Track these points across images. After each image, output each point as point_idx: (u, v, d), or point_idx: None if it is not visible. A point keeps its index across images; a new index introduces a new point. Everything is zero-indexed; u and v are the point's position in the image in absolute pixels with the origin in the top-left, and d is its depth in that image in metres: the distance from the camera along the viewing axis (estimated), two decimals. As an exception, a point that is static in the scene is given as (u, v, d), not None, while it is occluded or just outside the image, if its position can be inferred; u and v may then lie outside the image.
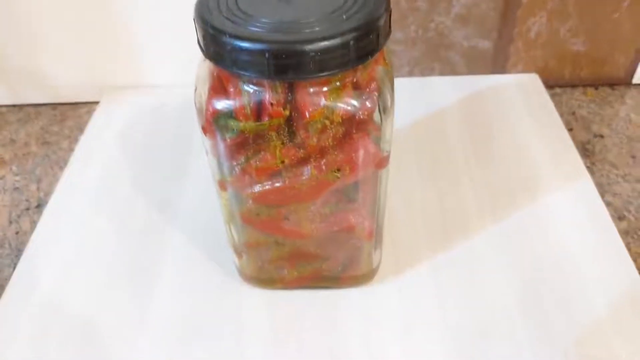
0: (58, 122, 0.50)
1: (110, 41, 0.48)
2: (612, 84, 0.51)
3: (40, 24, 0.47)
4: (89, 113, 0.51)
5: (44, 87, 0.51)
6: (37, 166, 0.46)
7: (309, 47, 0.22)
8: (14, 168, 0.46)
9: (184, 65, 0.49)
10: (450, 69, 0.50)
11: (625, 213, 0.39)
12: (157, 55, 0.49)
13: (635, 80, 0.51)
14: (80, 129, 0.49)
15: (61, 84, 0.51)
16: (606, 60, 0.49)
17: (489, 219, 0.37)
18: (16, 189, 0.44)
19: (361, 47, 0.23)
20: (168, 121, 0.47)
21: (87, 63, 0.50)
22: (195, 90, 0.26)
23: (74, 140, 0.48)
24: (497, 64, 0.50)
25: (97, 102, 0.51)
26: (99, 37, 0.48)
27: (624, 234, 0.37)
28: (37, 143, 0.48)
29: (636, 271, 0.34)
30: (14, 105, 0.52)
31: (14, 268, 0.36)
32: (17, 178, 0.45)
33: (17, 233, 0.40)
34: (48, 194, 0.43)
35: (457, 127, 0.45)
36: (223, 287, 0.34)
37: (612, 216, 0.38)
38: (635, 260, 0.35)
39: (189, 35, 0.26)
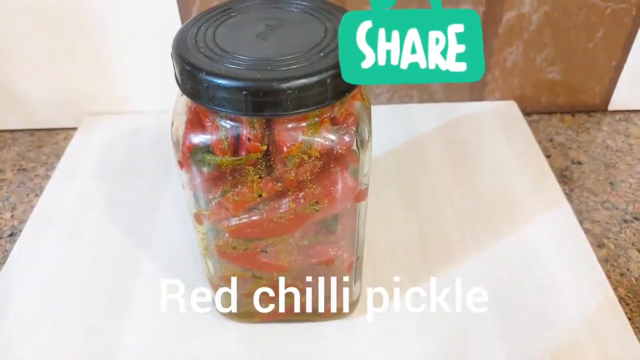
0: (35, 148, 0.50)
1: (89, 67, 0.48)
2: (589, 111, 0.52)
3: (18, 49, 0.47)
4: (67, 139, 0.50)
5: (21, 113, 0.51)
6: (12, 193, 0.45)
7: (286, 85, 0.22)
8: (-12, 196, 0.45)
9: (162, 92, 0.49)
10: (428, 96, 0.51)
11: (605, 240, 0.39)
12: (135, 82, 0.49)
13: (611, 107, 0.52)
14: (58, 156, 0.48)
15: (39, 109, 0.50)
16: (582, 87, 0.50)
17: (469, 247, 0.37)
18: (-11, 217, 0.43)
19: (338, 85, 0.23)
20: (146, 148, 0.47)
21: (65, 89, 0.49)
22: (172, 124, 0.26)
23: (50, 167, 0.47)
24: (475, 91, 0.51)
25: (75, 128, 0.50)
26: (77, 63, 0.48)
27: (604, 261, 0.38)
28: (12, 170, 0.47)
29: (616, 299, 0.34)
30: (-11, 131, 0.51)
31: (-16, 301, 0.35)
32: (-9, 206, 0.44)
33: (-12, 264, 0.39)
34: (22, 222, 0.42)
35: (437, 154, 0.45)
36: (199, 320, 0.33)
37: (592, 243, 0.38)
38: (615, 289, 0.35)
39: (169, 62, 0.26)
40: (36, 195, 0.44)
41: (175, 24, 0.46)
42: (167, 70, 0.30)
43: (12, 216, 0.43)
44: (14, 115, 0.51)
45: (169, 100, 0.28)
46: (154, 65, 0.47)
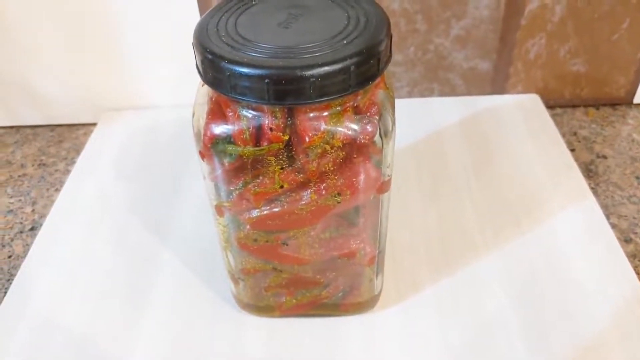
0: (55, 144, 0.50)
1: (108, 63, 0.48)
2: (613, 104, 0.51)
3: (38, 45, 0.47)
4: (87, 135, 0.50)
5: (41, 109, 0.51)
6: (33, 188, 0.45)
7: (308, 72, 0.21)
8: (9, 190, 0.45)
9: (182, 87, 0.49)
10: (450, 90, 0.50)
11: (632, 235, 0.38)
12: (155, 77, 0.49)
13: (636, 100, 0.50)
14: (77, 151, 0.48)
15: (59, 105, 0.51)
16: (606, 80, 0.49)
17: (491, 243, 0.37)
18: (10, 211, 0.43)
19: (362, 73, 0.22)
20: (165, 143, 0.47)
21: (85, 84, 0.49)
22: (193, 115, 0.26)
23: (70, 162, 0.48)
24: (497, 84, 0.50)
25: (94, 124, 0.50)
26: (96, 58, 0.48)
27: (631, 257, 0.37)
28: (33, 165, 0.48)
29: (644, 295, 0.33)
30: (11, 127, 0.52)
31: (5, 293, 0.35)
32: (12, 200, 0.44)
33: (9, 257, 0.39)
34: (43, 216, 0.42)
35: (458, 148, 0.44)
36: (218, 314, 0.33)
37: (618, 239, 0.37)
38: (643, 285, 0.35)
39: (187, 57, 0.26)
40: (56, 190, 0.45)
41: (194, 19, 0.46)
42: (186, 65, 0.30)
43: (32, 210, 0.43)
44: (34, 111, 0.51)
45: (187, 95, 0.28)
46: (173, 60, 0.47)
